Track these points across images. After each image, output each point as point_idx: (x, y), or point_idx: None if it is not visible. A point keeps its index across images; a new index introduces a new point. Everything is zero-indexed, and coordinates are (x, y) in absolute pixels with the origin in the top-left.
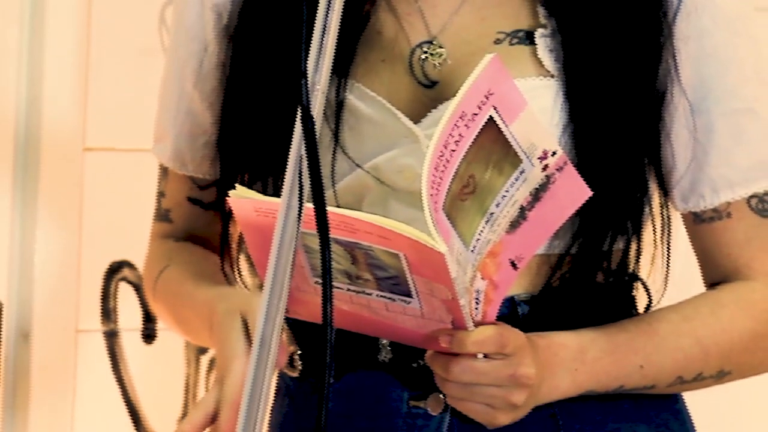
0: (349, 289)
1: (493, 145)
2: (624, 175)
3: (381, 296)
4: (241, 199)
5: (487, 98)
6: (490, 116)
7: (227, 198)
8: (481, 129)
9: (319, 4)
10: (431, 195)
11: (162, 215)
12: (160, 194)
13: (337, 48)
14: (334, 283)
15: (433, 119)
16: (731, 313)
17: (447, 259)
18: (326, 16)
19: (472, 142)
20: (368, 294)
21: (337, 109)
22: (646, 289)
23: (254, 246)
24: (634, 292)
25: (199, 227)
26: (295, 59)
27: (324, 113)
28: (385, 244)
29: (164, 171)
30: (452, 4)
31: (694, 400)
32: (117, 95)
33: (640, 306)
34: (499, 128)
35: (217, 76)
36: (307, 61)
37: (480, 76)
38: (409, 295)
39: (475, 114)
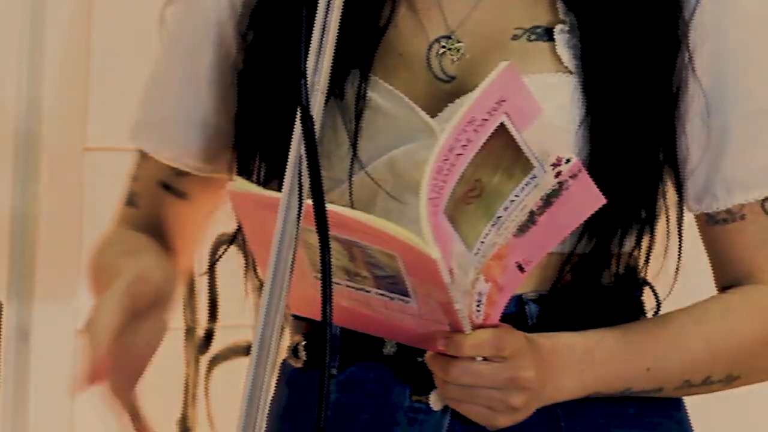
0: (348, 286)
1: (504, 150)
2: (638, 172)
3: (380, 294)
4: (240, 191)
5: (498, 105)
6: (502, 122)
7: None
8: (492, 134)
9: (318, 4)
10: (431, 199)
11: (128, 200)
12: (133, 179)
13: (358, 45)
14: (333, 279)
15: (449, 113)
16: (742, 317)
17: (440, 266)
18: (326, 15)
19: (481, 147)
20: (367, 291)
21: (357, 102)
22: (654, 293)
23: (253, 239)
24: (642, 297)
25: (167, 216)
26: (295, 59)
27: (339, 107)
28: (382, 244)
29: (141, 156)
30: None
31: (695, 410)
32: (117, 95)
33: (649, 310)
34: (511, 134)
35: (230, 68)
36: (307, 62)
37: (492, 84)
38: (406, 294)
39: (485, 120)
